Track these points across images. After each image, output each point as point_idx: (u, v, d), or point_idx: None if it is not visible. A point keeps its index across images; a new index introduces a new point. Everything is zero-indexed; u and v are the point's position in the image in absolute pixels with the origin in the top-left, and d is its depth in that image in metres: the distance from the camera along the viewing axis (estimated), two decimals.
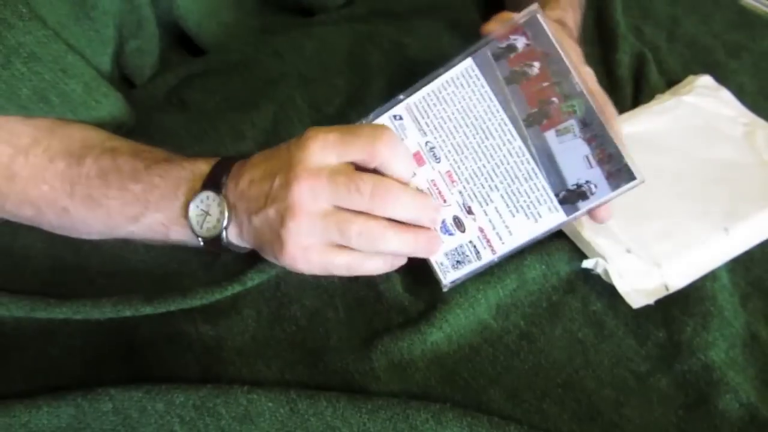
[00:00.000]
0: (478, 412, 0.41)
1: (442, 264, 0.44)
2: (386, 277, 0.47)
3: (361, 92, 0.60)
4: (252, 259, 0.46)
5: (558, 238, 0.50)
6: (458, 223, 0.43)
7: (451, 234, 0.43)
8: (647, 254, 0.47)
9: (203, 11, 0.59)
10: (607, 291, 0.48)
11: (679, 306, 0.47)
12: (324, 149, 0.39)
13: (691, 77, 0.63)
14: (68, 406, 0.38)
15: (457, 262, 0.44)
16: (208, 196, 0.42)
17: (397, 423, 0.38)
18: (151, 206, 0.44)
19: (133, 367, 0.42)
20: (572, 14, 0.57)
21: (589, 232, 0.48)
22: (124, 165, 0.44)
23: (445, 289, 0.45)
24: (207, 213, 0.42)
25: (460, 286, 0.45)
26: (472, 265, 0.44)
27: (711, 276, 0.48)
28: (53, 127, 0.45)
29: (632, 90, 0.63)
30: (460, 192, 0.42)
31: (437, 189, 0.43)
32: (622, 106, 0.60)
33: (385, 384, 0.42)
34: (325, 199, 0.39)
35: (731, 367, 0.43)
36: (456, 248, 0.44)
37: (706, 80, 0.62)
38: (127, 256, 0.48)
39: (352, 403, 0.38)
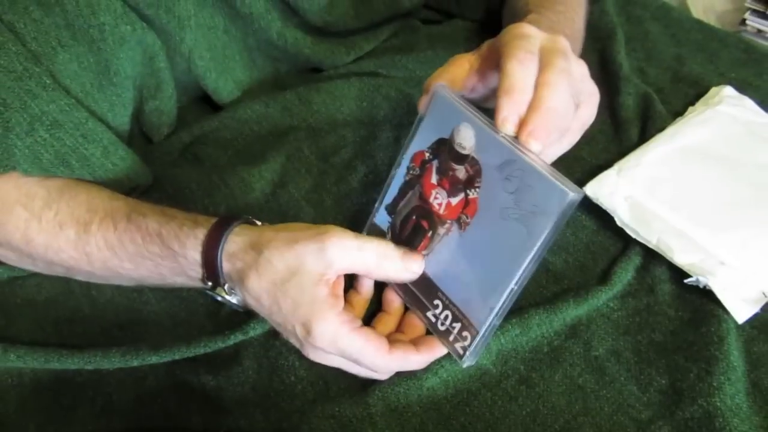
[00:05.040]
0: None
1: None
2: None
3: (368, 143, 0.61)
4: None
5: (563, 284, 0.51)
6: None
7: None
8: (740, 263, 0.49)
9: (219, 70, 0.63)
10: (611, 336, 0.48)
11: (683, 352, 0.46)
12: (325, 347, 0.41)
13: (714, 89, 0.65)
14: None
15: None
16: (219, 292, 0.45)
17: None
18: (167, 278, 0.47)
19: (138, 417, 0.44)
20: (552, 16, 0.55)
21: (680, 254, 0.49)
22: (124, 236, 0.46)
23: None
24: (226, 299, 0.45)
25: None
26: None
27: (717, 319, 0.47)
28: (63, 188, 0.48)
29: (639, 131, 0.63)
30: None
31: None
32: (628, 148, 0.60)
33: (381, 430, 0.42)
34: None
35: (736, 415, 0.42)
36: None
37: (729, 90, 0.64)
38: (139, 307, 0.51)
39: None
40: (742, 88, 0.64)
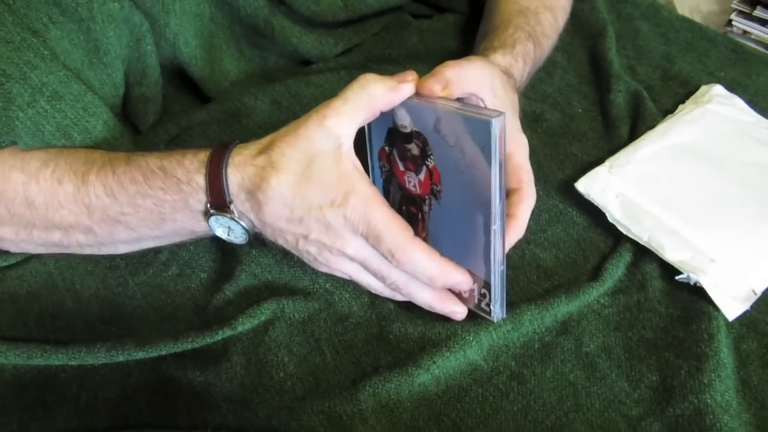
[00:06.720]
0: None
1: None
2: (375, 320, 0.47)
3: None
4: (243, 303, 0.48)
5: (554, 280, 0.51)
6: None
7: None
8: (730, 261, 0.49)
9: (206, 58, 0.62)
10: (601, 332, 0.48)
11: (674, 349, 0.46)
12: (356, 233, 0.42)
13: (704, 87, 0.66)
14: None
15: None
16: (222, 217, 0.43)
17: None
18: (167, 217, 0.45)
19: (124, 414, 0.43)
20: (522, 65, 0.57)
21: (671, 251, 0.49)
22: (124, 178, 0.44)
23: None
24: (230, 228, 0.44)
25: (451, 330, 0.46)
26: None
27: (707, 316, 0.47)
28: (62, 149, 0.47)
29: (629, 128, 0.63)
30: None
31: None
32: (618, 145, 0.60)
33: (372, 426, 0.42)
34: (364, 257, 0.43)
35: (726, 412, 0.42)
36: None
37: (719, 89, 0.64)
38: (125, 301, 0.50)
39: None
40: (732, 87, 0.65)
